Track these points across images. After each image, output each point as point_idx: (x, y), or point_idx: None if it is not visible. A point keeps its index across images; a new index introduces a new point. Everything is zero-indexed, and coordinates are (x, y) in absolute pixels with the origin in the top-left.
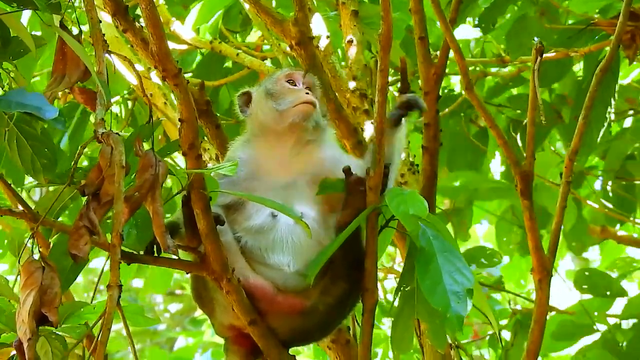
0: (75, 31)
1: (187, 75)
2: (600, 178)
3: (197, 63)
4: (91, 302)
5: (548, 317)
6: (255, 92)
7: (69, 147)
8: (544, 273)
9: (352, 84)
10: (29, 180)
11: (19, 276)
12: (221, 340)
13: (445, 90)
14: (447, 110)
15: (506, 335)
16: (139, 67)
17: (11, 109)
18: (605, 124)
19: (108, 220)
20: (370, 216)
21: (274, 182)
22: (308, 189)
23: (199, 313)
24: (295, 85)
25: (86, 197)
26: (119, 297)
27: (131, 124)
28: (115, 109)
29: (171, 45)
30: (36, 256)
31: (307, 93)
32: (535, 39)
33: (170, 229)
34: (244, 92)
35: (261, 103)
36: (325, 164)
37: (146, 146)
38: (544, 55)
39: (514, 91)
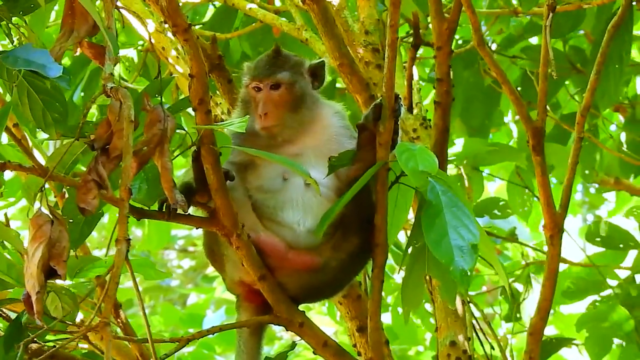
0: None
1: (200, 27)
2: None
3: (210, 16)
4: (106, 256)
5: (560, 271)
6: None
7: (83, 100)
8: (556, 229)
9: (363, 38)
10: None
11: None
12: (232, 297)
13: (460, 42)
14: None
15: (519, 287)
16: (152, 22)
17: (17, 66)
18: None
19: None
20: (380, 172)
21: (284, 152)
22: (317, 160)
23: (211, 270)
24: (260, 89)
25: (95, 151)
26: (127, 251)
27: (143, 74)
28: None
29: None
30: (45, 209)
31: (267, 109)
32: None
33: (185, 188)
34: None
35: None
36: (328, 138)
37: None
38: (557, 7)
39: (535, 39)
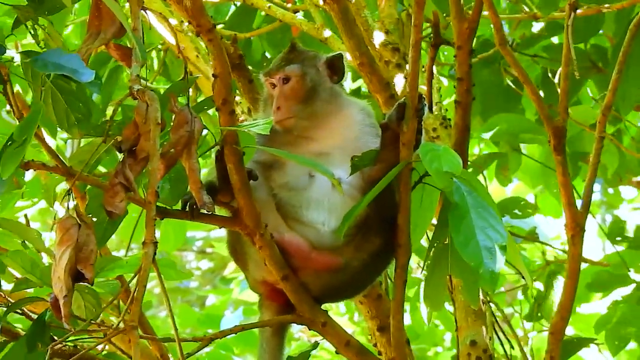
0: None
1: (220, 27)
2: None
3: (230, 15)
4: (126, 256)
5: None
6: None
7: (101, 99)
8: (577, 229)
9: (383, 37)
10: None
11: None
12: (250, 298)
13: (481, 39)
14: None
15: (540, 286)
16: (172, 21)
17: (48, 70)
18: None
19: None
20: (403, 172)
21: (309, 151)
22: (341, 159)
23: (228, 271)
24: (275, 85)
25: (122, 153)
26: (155, 254)
27: (163, 73)
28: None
29: None
30: (72, 213)
31: (280, 103)
32: None
33: (207, 188)
34: None
35: None
36: (354, 136)
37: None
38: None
39: (555, 39)
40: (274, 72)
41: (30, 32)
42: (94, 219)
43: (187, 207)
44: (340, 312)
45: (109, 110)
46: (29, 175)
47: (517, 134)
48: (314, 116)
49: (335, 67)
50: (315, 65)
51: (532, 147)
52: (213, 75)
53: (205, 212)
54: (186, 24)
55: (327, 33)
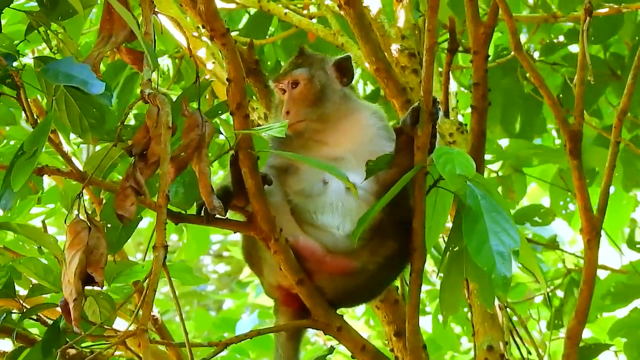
0: None
1: (235, 34)
2: None
3: (245, 22)
4: (143, 261)
5: (603, 277)
6: None
7: (117, 106)
8: (593, 233)
9: (398, 45)
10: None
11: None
12: (265, 302)
13: (499, 49)
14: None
15: (561, 294)
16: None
17: (58, 81)
18: None
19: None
20: (417, 176)
21: (323, 155)
22: (355, 163)
23: (244, 275)
24: (285, 91)
25: (133, 157)
26: (165, 257)
27: (178, 81)
28: (163, 65)
29: (219, 4)
30: (82, 216)
31: (289, 107)
32: None
33: (222, 192)
34: None
35: None
36: (368, 140)
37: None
38: (595, 11)
39: (575, 47)
40: (282, 77)
41: (43, 38)
42: (109, 225)
43: (202, 212)
44: (356, 316)
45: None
46: (47, 181)
47: (519, 155)
48: (325, 119)
49: (344, 69)
50: (323, 67)
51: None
52: (227, 79)
53: (220, 217)
54: (202, 29)
55: (344, 39)
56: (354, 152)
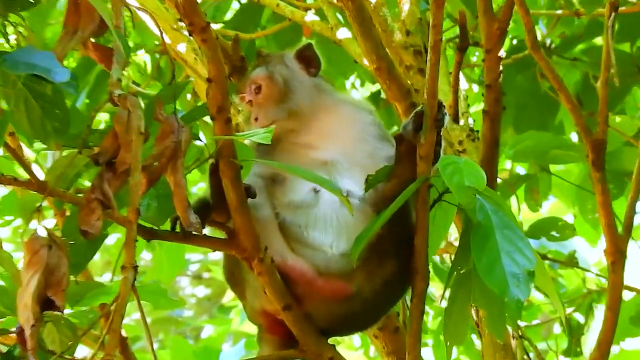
0: None
1: (222, 26)
2: None
3: (234, 13)
4: (111, 282)
5: (627, 298)
6: None
7: (88, 107)
8: (618, 255)
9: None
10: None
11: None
12: (252, 329)
13: (514, 41)
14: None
15: (580, 317)
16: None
17: (18, 70)
18: None
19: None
20: (421, 188)
21: (311, 160)
22: (348, 166)
23: (227, 299)
24: (250, 101)
25: (100, 166)
26: (135, 279)
27: (157, 78)
28: (141, 60)
29: None
30: (42, 232)
31: (256, 113)
32: None
33: (200, 206)
34: None
35: None
36: (357, 138)
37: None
38: (621, 8)
39: (599, 40)
40: (242, 85)
41: (0, 31)
42: (71, 242)
43: (178, 228)
44: (354, 346)
45: (100, 117)
46: (4, 189)
47: (546, 151)
48: (297, 114)
49: (308, 58)
50: (283, 62)
51: (569, 167)
52: (207, 79)
53: (198, 234)
54: (181, 22)
55: (343, 34)
56: (345, 153)
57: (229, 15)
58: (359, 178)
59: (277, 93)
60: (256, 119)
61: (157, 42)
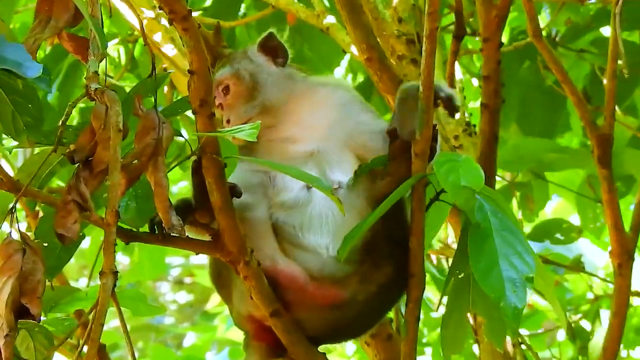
0: None
1: (200, 14)
2: None
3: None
4: (87, 287)
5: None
6: None
7: (58, 101)
8: (625, 257)
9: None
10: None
11: None
12: (238, 337)
13: (515, 32)
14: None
15: (586, 325)
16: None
17: None
18: None
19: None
20: (416, 187)
21: (298, 150)
22: (336, 152)
23: (211, 305)
24: (221, 104)
25: (76, 165)
26: (114, 285)
27: (131, 70)
28: (113, 52)
29: None
30: (16, 235)
31: (227, 114)
32: None
33: (183, 206)
34: None
35: None
36: (337, 119)
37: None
38: None
39: (606, 30)
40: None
41: None
42: (45, 245)
43: (157, 229)
44: (346, 355)
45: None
46: None
47: (540, 158)
48: (269, 107)
49: (272, 48)
50: (247, 56)
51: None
52: (189, 71)
53: (179, 236)
54: (159, 10)
55: (330, 20)
56: (329, 139)
57: (208, 3)
58: (350, 164)
59: (245, 90)
60: (228, 121)
61: (130, 32)
